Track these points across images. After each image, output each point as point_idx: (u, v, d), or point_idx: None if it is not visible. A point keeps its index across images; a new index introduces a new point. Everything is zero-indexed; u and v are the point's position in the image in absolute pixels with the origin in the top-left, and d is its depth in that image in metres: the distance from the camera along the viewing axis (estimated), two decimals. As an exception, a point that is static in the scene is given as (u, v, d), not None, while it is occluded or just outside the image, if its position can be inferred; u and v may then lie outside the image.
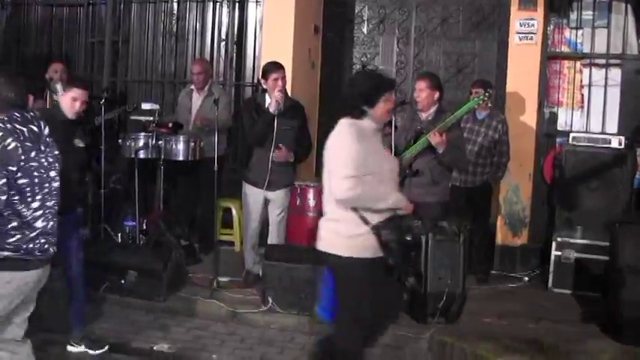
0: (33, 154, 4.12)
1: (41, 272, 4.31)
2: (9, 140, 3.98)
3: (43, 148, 4.22)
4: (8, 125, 4.05)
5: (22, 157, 4.03)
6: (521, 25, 8.87)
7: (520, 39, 8.90)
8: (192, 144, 8.18)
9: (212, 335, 6.51)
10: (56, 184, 4.33)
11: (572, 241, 7.97)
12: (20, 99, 4.28)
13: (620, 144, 8.20)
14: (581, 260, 7.88)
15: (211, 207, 8.28)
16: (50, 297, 6.85)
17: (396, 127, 7.24)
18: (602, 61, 9.00)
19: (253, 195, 7.67)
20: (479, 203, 8.45)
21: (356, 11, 10.26)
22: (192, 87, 9.01)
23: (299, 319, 6.79)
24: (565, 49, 9.18)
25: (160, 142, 8.07)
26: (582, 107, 9.12)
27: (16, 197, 4.03)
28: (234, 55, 10.11)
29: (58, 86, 7.84)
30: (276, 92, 7.33)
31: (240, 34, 10.10)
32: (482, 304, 7.37)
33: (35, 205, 4.14)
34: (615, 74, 8.97)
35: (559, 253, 7.98)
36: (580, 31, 9.08)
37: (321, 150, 9.91)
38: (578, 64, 9.13)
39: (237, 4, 10.06)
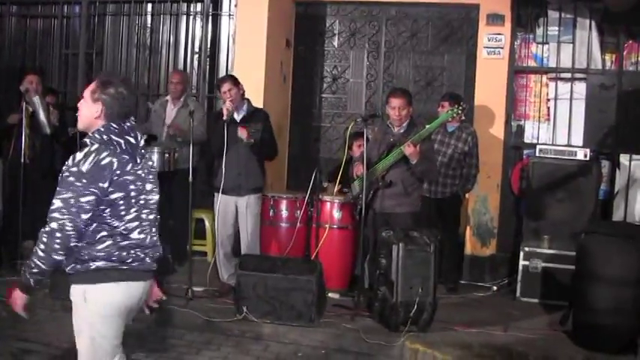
0: (129, 166, 3.86)
1: (139, 286, 4.03)
2: (104, 154, 3.77)
3: (139, 160, 3.94)
4: (105, 137, 3.83)
5: (118, 172, 3.79)
6: (489, 40, 9.11)
7: (488, 53, 9.13)
8: (167, 155, 8.24)
9: (188, 344, 6.53)
10: (154, 197, 4.06)
11: (539, 250, 8.13)
12: (133, 110, 4.07)
13: (585, 156, 8.39)
14: (548, 269, 8.06)
15: (185, 218, 8.33)
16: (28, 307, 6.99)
17: (367, 139, 7.39)
18: (568, 76, 9.21)
19: (223, 203, 7.81)
20: (448, 214, 8.59)
21: (327, 25, 10.39)
22: (168, 98, 9.10)
23: (273, 328, 6.86)
24: (531, 63, 9.39)
25: (134, 154, 8.13)
26: (548, 120, 9.32)
27: (108, 210, 3.81)
28: (207, 67, 10.18)
29: (36, 99, 7.93)
30: (227, 102, 7.62)
31: (213, 48, 10.17)
32: (452, 312, 7.50)
33: (129, 217, 3.88)
34: (580, 88, 9.19)
35: (527, 262, 8.14)
36: (546, 46, 9.29)
37: (292, 162, 10.18)
38: (544, 78, 9.35)
39: (210, 18, 10.12)
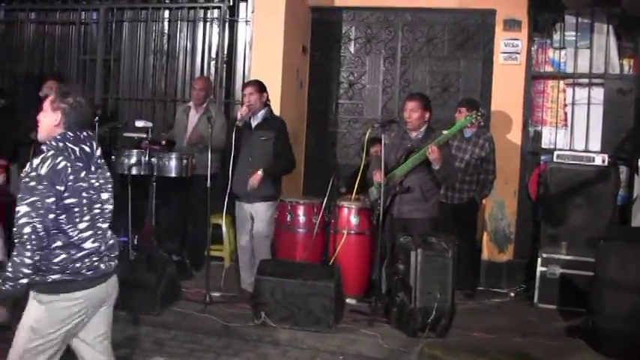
0: (83, 174, 4.04)
1: (97, 290, 4.18)
2: (59, 159, 3.95)
3: (93, 169, 4.14)
4: (60, 144, 4.02)
5: (71, 177, 3.97)
6: (505, 46, 9.10)
7: (505, 59, 9.12)
8: (185, 161, 8.29)
9: (206, 349, 6.53)
10: (109, 207, 4.25)
11: (557, 256, 8.11)
12: (90, 120, 4.36)
13: (603, 161, 8.36)
14: (566, 276, 8.03)
15: (202, 223, 8.35)
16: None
17: (385, 145, 7.40)
18: (585, 81, 9.18)
19: (240, 209, 7.93)
20: (465, 220, 8.57)
21: (343, 31, 10.41)
22: (190, 104, 9.13)
23: (291, 333, 6.87)
24: (549, 68, 9.36)
25: (152, 159, 8.19)
26: (566, 125, 9.29)
27: (63, 216, 3.96)
28: (224, 74, 10.24)
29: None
30: (243, 108, 7.74)
31: (229, 54, 10.23)
32: (470, 318, 7.49)
33: (83, 225, 4.05)
34: (598, 93, 9.15)
35: (544, 268, 8.11)
36: (563, 52, 9.27)
37: (308, 167, 10.19)
38: (561, 83, 9.32)
39: (227, 24, 10.18)
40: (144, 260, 7.97)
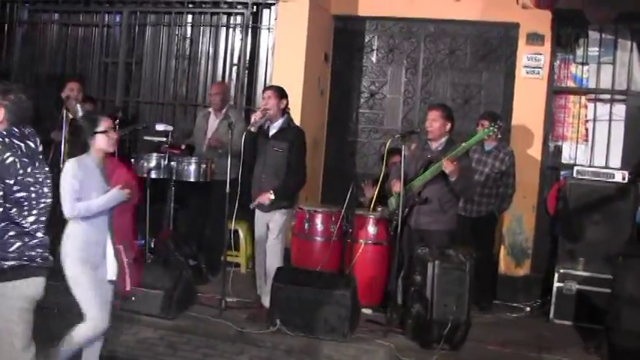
0: (29, 169, 4.15)
1: (43, 281, 4.34)
2: (7, 154, 4.06)
3: (37, 164, 4.25)
4: (6, 140, 4.11)
5: (20, 172, 4.09)
6: (528, 60, 9.08)
7: (527, 73, 9.11)
8: (204, 166, 8.33)
9: (220, 354, 6.55)
10: (49, 200, 4.34)
11: (574, 272, 8.07)
12: (31, 116, 4.41)
13: (623, 178, 8.31)
14: (583, 292, 7.98)
15: (220, 228, 8.33)
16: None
17: (404, 156, 7.38)
18: (607, 97, 9.18)
19: (258, 218, 7.83)
20: (483, 233, 8.54)
21: (365, 40, 10.42)
22: (210, 109, 9.15)
23: (306, 341, 6.84)
24: (571, 84, 9.35)
25: (172, 163, 8.23)
26: (586, 141, 9.27)
27: (14, 209, 4.09)
28: (246, 80, 10.23)
29: (78, 107, 7.99)
30: (258, 112, 7.65)
31: (251, 60, 10.23)
32: (485, 332, 7.45)
33: (32, 218, 4.19)
34: (619, 110, 9.14)
35: (561, 284, 8.07)
36: (586, 67, 9.26)
37: (327, 175, 10.17)
38: (583, 99, 9.31)
39: (249, 30, 10.17)
40: (160, 263, 8.00)
